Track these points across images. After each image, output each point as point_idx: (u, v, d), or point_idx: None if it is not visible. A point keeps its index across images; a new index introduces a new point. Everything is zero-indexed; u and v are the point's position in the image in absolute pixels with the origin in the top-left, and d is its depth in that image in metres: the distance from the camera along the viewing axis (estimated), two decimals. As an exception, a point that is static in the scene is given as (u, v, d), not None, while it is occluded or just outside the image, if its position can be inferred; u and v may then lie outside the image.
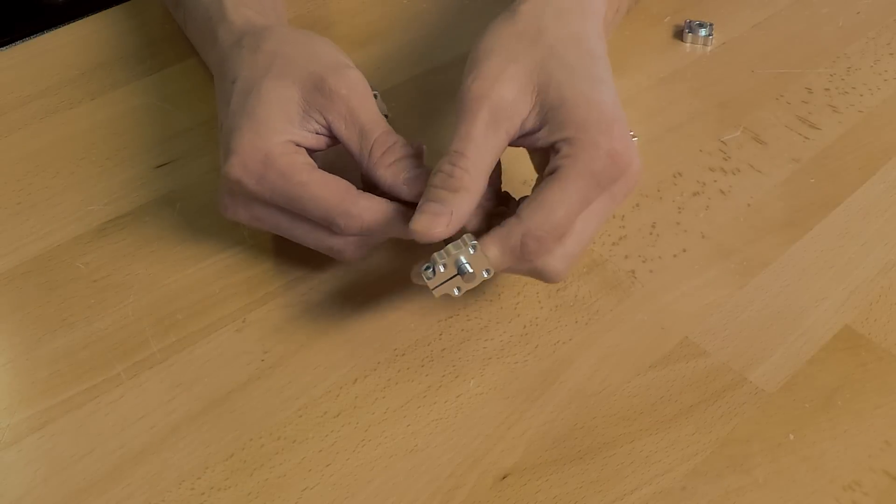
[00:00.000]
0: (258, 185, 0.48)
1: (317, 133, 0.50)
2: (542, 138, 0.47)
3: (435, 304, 0.52)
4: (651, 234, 0.57)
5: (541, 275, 0.48)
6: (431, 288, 0.47)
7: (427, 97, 0.56)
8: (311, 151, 0.50)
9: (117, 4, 0.74)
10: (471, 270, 0.46)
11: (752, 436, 0.47)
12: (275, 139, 0.48)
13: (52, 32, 0.72)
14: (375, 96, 0.54)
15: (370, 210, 0.48)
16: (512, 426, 0.48)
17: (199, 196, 0.58)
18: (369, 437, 0.47)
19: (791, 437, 0.47)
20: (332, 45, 0.53)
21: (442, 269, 0.46)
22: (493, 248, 0.46)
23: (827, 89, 0.67)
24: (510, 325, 0.52)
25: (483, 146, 0.47)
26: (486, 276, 0.46)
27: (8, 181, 0.60)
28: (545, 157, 0.49)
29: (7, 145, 0.62)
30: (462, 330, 0.51)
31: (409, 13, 0.74)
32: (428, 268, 0.46)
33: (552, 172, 0.46)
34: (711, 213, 0.58)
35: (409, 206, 0.48)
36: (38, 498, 0.44)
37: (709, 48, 0.70)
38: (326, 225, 0.48)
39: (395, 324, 0.52)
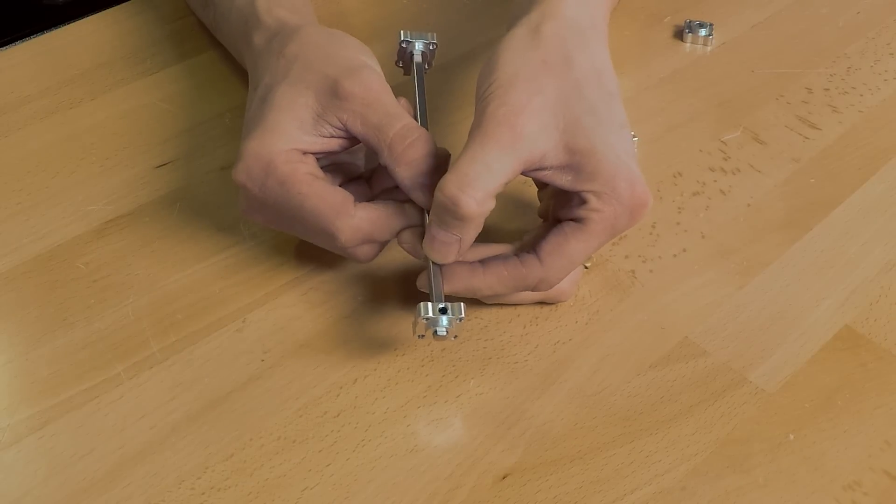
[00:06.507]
0: (261, 192, 0.49)
1: (332, 136, 0.50)
2: (569, 184, 0.47)
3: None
4: (651, 234, 0.57)
5: (552, 299, 0.52)
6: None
7: (428, 96, 0.56)
8: (330, 155, 0.50)
9: (117, 4, 0.74)
10: (444, 335, 0.46)
11: (752, 436, 0.47)
12: (279, 146, 0.48)
13: (52, 32, 0.72)
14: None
15: (368, 220, 0.48)
16: (512, 426, 0.47)
17: (199, 196, 0.58)
18: (369, 437, 0.47)
19: (791, 437, 0.47)
20: (354, 45, 0.53)
21: (415, 324, 0.47)
22: (506, 282, 0.48)
23: (827, 89, 0.67)
24: (510, 325, 0.52)
25: (497, 172, 0.45)
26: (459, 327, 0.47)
27: (8, 181, 0.60)
28: (555, 191, 0.50)
29: (7, 145, 0.62)
30: (462, 330, 0.51)
31: (409, 13, 0.74)
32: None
33: (577, 220, 0.47)
34: (711, 213, 0.58)
35: (408, 204, 0.49)
36: (38, 498, 0.44)
37: (709, 48, 0.70)
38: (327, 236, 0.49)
39: (395, 324, 0.52)
